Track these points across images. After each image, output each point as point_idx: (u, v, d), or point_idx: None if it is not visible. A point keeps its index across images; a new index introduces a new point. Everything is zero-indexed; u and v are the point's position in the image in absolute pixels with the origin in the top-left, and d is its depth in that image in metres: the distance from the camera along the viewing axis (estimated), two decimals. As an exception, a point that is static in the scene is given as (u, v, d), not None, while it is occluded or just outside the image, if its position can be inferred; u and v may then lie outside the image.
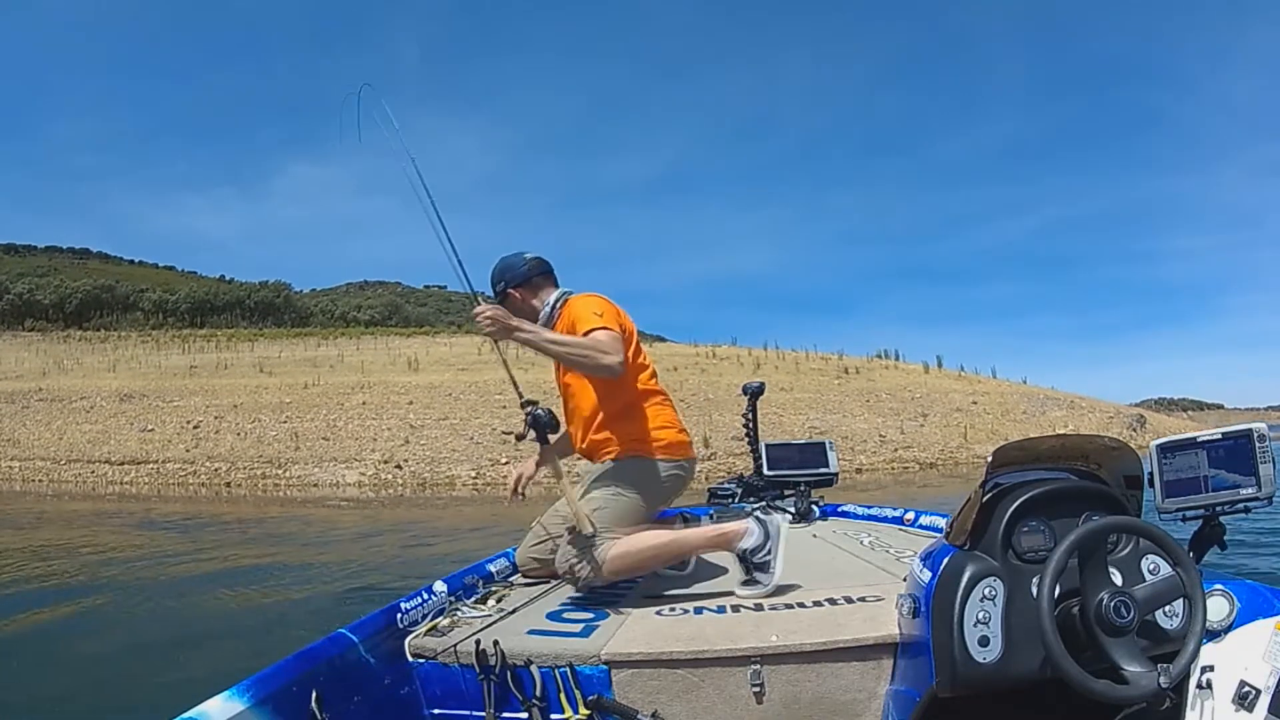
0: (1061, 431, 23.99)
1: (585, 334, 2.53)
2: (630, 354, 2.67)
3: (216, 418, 24.01)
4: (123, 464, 21.40)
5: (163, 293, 67.80)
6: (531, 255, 2.89)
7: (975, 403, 26.90)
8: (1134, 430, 26.99)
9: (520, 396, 2.59)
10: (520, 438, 2.57)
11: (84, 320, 54.22)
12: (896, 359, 34.26)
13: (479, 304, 2.58)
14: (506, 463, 18.12)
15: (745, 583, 2.46)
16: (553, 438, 2.57)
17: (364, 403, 24.71)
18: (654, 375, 2.87)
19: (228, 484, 19.71)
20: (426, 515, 13.36)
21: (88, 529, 11.06)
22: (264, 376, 28.82)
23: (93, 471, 21.12)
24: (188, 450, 21.96)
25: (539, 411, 2.50)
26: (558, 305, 2.77)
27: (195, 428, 23.35)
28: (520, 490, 2.95)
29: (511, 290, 2.80)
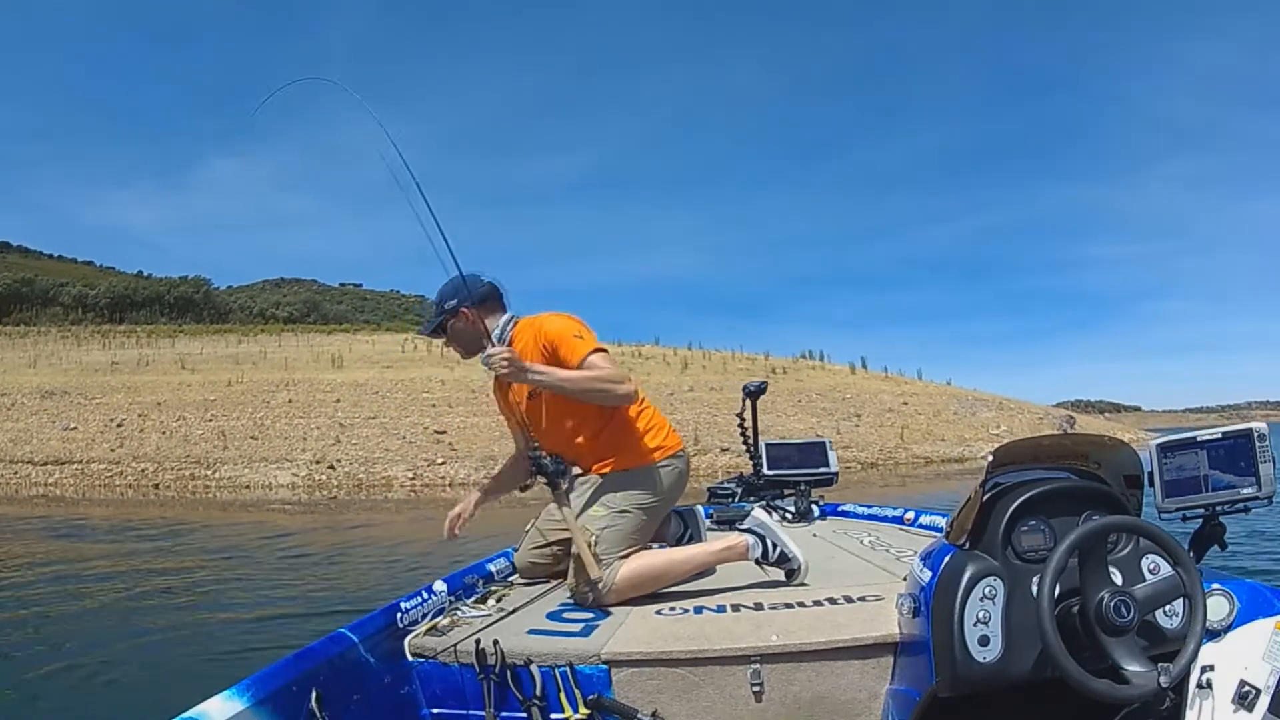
0: (995, 431, 24.73)
1: (581, 361, 2.49)
2: None
3: (140, 415, 23.27)
4: (46, 464, 20.60)
5: (82, 287, 65.83)
6: (488, 278, 2.79)
7: (906, 403, 27.51)
8: (1065, 431, 27.85)
9: (530, 443, 2.50)
10: (526, 488, 2.51)
11: (3, 315, 52.01)
12: (822, 360, 34.83)
13: (492, 345, 2.51)
14: (443, 463, 17.88)
15: (788, 576, 2.55)
16: (562, 482, 2.49)
17: (290, 400, 24.23)
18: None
19: (156, 485, 19.06)
20: (383, 518, 13.05)
21: (13, 536, 10.52)
22: (186, 373, 28.10)
23: (15, 472, 20.31)
24: (112, 450, 21.21)
25: (544, 460, 2.43)
26: (508, 328, 2.69)
27: (119, 426, 22.57)
28: (456, 531, 2.84)
29: (465, 309, 2.67)
